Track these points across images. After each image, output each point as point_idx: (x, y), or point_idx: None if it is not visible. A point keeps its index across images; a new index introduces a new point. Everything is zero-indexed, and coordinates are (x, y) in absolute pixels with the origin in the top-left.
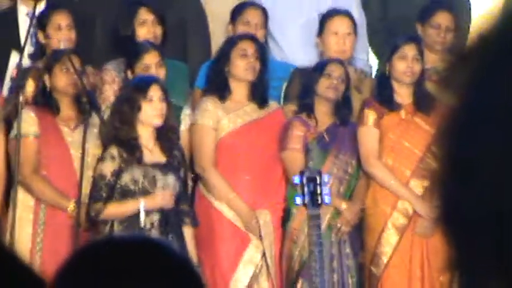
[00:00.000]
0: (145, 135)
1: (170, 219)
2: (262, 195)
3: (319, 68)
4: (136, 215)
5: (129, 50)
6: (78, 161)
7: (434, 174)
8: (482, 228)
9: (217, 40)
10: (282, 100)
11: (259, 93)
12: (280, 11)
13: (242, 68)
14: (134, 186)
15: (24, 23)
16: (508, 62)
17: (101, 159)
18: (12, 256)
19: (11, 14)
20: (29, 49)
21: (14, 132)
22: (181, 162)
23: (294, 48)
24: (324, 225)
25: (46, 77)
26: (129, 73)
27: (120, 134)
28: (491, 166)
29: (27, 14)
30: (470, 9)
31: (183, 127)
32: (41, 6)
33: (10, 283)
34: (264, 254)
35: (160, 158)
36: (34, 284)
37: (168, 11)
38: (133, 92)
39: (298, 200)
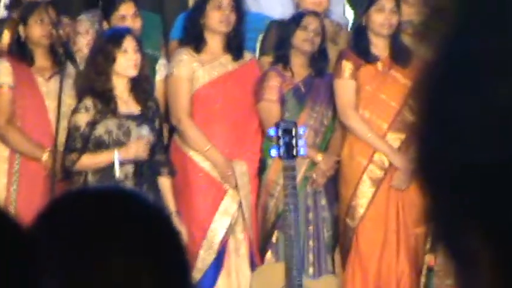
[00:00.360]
0: (120, 87)
1: (144, 170)
2: (238, 146)
3: (296, 20)
4: (111, 166)
5: (105, 1)
6: (53, 112)
7: (412, 127)
8: (461, 183)
9: None
10: (257, 52)
11: (234, 45)
12: None
13: (217, 20)
14: (108, 137)
15: None
16: (484, 11)
17: (75, 110)
18: None
19: None
20: (4, 0)
21: None
22: (155, 112)
23: (270, 1)
24: (299, 177)
25: (21, 28)
26: (105, 24)
27: (95, 86)
28: (472, 118)
29: None
30: None
31: (158, 77)
32: None
33: None
34: (240, 205)
35: (135, 109)
36: (11, 231)
37: None
38: (108, 43)
39: (274, 152)
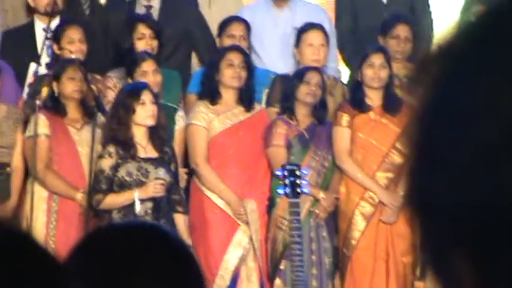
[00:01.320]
0: (139, 134)
1: (162, 206)
2: (249, 187)
3: (299, 75)
4: (132, 203)
5: (129, 60)
6: (85, 157)
7: (403, 164)
8: (447, 215)
9: None
10: (263, 103)
11: (246, 98)
12: (259, 26)
13: (230, 77)
14: (130, 179)
15: (40, 36)
16: (464, 66)
17: (100, 156)
18: (29, 238)
19: (29, 28)
20: (45, 59)
21: (28, 132)
22: (171, 157)
23: (272, 58)
24: (303, 212)
25: (54, 84)
26: (129, 79)
27: (117, 135)
28: (456, 157)
29: (44, 29)
30: (431, 21)
31: (177, 127)
32: (55, 22)
33: (28, 263)
34: (251, 238)
35: (153, 154)
36: (50, 264)
37: (173, 22)
38: (128, 97)
39: (281, 191)
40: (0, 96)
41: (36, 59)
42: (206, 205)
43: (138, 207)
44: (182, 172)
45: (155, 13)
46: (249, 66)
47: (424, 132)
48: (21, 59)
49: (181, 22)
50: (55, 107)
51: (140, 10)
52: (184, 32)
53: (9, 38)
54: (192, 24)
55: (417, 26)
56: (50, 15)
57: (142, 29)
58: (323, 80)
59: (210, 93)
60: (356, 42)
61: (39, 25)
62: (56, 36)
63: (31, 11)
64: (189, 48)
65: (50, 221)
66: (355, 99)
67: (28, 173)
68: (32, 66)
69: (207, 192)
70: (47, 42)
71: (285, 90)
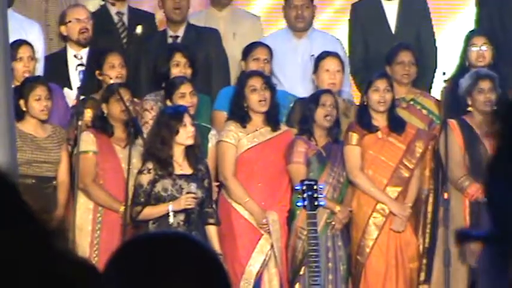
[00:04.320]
0: (177, 153)
1: (193, 219)
2: (271, 199)
3: (314, 98)
4: (166, 215)
5: (169, 83)
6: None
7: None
8: None
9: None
10: (284, 123)
11: (272, 119)
12: (279, 53)
13: (256, 102)
14: (165, 194)
15: (72, 63)
16: None
17: (139, 172)
18: (67, 250)
19: (62, 55)
20: (77, 85)
21: (76, 149)
22: (205, 174)
23: (292, 83)
24: (321, 224)
25: (103, 106)
26: (168, 102)
27: (159, 154)
28: None
29: (75, 56)
30: (436, 50)
31: (210, 145)
32: (85, 50)
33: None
34: (272, 246)
35: (187, 171)
36: (89, 271)
37: (198, 52)
38: (171, 119)
39: (300, 204)
40: (51, 115)
41: (68, 83)
42: (233, 216)
43: (171, 219)
44: (214, 185)
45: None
46: (270, 87)
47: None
48: (57, 83)
49: (202, 50)
50: (103, 126)
51: (168, 40)
52: (205, 58)
53: (48, 62)
54: (213, 52)
55: (422, 54)
56: (83, 44)
57: (178, 57)
58: (336, 100)
59: (240, 117)
60: (367, 69)
61: (71, 52)
62: (98, 63)
63: (64, 39)
64: (208, 73)
65: (94, 230)
66: (363, 121)
67: (74, 186)
68: (65, 91)
69: (234, 204)
70: (79, 68)
71: (304, 113)
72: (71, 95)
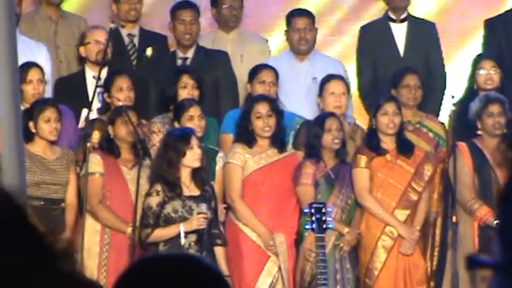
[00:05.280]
0: (185, 174)
1: (204, 239)
2: (278, 221)
3: (319, 122)
4: (177, 236)
5: (177, 105)
6: (135, 194)
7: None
8: None
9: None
10: (290, 145)
11: (278, 141)
12: (282, 76)
13: (260, 128)
14: (175, 215)
15: (91, 84)
16: None
17: (148, 194)
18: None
19: (80, 76)
20: (97, 105)
21: (83, 171)
22: (211, 195)
23: (294, 105)
24: (329, 246)
25: (110, 128)
26: (176, 124)
27: (166, 175)
28: None
29: (94, 77)
30: (445, 73)
31: (218, 167)
32: (105, 70)
33: None
34: (279, 268)
35: (195, 192)
36: None
37: (207, 74)
38: (178, 141)
39: (308, 226)
40: (60, 138)
41: (87, 104)
42: (240, 237)
43: (183, 240)
44: (221, 207)
45: (189, 64)
46: (276, 112)
47: None
48: (72, 105)
49: (211, 72)
50: (109, 148)
51: (178, 61)
52: (214, 80)
53: (62, 85)
54: (221, 74)
55: (431, 77)
56: (101, 64)
57: (186, 79)
58: (341, 122)
59: (246, 140)
60: (376, 93)
61: (90, 73)
62: (106, 85)
63: (82, 60)
64: (217, 95)
65: (102, 252)
66: (372, 144)
67: (82, 208)
68: (84, 111)
69: (241, 226)
70: (98, 89)
71: (309, 137)
72: (89, 115)
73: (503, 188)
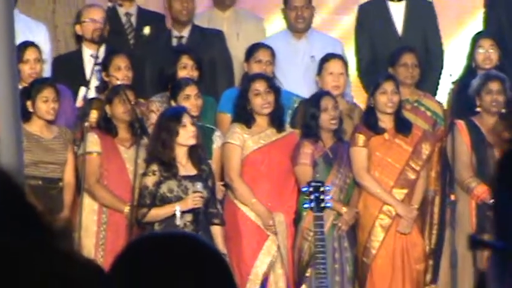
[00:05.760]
0: (180, 154)
1: (200, 219)
2: (277, 200)
3: (315, 102)
4: (173, 216)
5: (174, 84)
6: (132, 174)
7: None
8: None
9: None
10: (287, 124)
11: (276, 120)
12: (279, 55)
13: (259, 105)
14: (170, 195)
15: (88, 62)
16: None
17: (144, 174)
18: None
19: (78, 55)
20: (95, 83)
21: (80, 150)
22: (209, 174)
23: (291, 84)
24: (327, 225)
25: (107, 107)
26: (172, 103)
27: (161, 156)
28: None
29: (91, 55)
30: (442, 52)
31: (215, 145)
32: (102, 49)
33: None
34: (278, 247)
35: (192, 171)
36: (95, 272)
37: (202, 53)
38: (170, 121)
39: (307, 205)
40: (58, 117)
41: (85, 83)
42: (239, 217)
43: (178, 220)
44: (219, 185)
45: (184, 43)
46: (274, 89)
47: None
48: (70, 84)
49: (206, 51)
50: (107, 127)
51: (173, 41)
52: (209, 60)
53: (59, 64)
54: (217, 53)
55: (429, 56)
56: (97, 42)
57: (185, 60)
58: (336, 100)
59: (245, 119)
60: (374, 72)
61: (87, 52)
62: (104, 64)
63: (79, 39)
64: (213, 74)
65: (99, 231)
66: (370, 123)
67: (80, 187)
68: (82, 90)
69: (240, 205)
70: (96, 67)
71: (306, 117)
72: (87, 94)
73: (496, 169)
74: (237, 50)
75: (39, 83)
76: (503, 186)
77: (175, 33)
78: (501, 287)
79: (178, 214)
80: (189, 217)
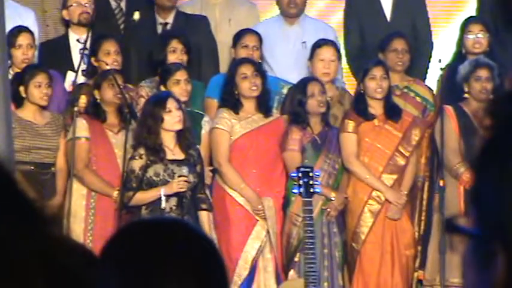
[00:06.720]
0: (168, 139)
1: (185, 203)
2: (266, 185)
3: (302, 88)
4: (158, 200)
5: (163, 69)
6: (120, 158)
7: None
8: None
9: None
10: (274, 110)
11: (264, 105)
12: (271, 40)
13: (247, 88)
14: (157, 179)
15: (74, 47)
16: None
17: (131, 158)
18: (64, 237)
19: (64, 40)
20: (83, 67)
21: (69, 136)
22: (197, 159)
23: (282, 69)
24: (316, 210)
25: (96, 92)
26: (162, 88)
27: (147, 142)
28: None
29: (78, 40)
30: (431, 37)
31: (203, 131)
32: (89, 32)
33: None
34: (268, 232)
35: (180, 156)
36: (87, 257)
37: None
38: (154, 107)
39: (296, 190)
40: (51, 103)
41: (72, 68)
42: (228, 202)
43: (163, 203)
44: (207, 170)
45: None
46: (261, 73)
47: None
48: (57, 69)
49: (191, 37)
50: (96, 112)
51: (158, 27)
52: (195, 46)
53: (46, 48)
54: (202, 39)
55: (418, 41)
56: (84, 25)
57: (175, 44)
58: (323, 85)
59: (232, 104)
60: (363, 57)
61: (73, 36)
62: (93, 49)
63: (67, 24)
64: (198, 60)
65: (88, 216)
66: (359, 109)
67: (70, 172)
68: (69, 74)
69: (229, 190)
70: (84, 52)
71: (296, 103)
72: (76, 79)
73: (476, 156)
74: (229, 36)
75: (32, 69)
76: (485, 175)
77: (159, 19)
78: (475, 274)
79: (163, 198)
80: (173, 201)
